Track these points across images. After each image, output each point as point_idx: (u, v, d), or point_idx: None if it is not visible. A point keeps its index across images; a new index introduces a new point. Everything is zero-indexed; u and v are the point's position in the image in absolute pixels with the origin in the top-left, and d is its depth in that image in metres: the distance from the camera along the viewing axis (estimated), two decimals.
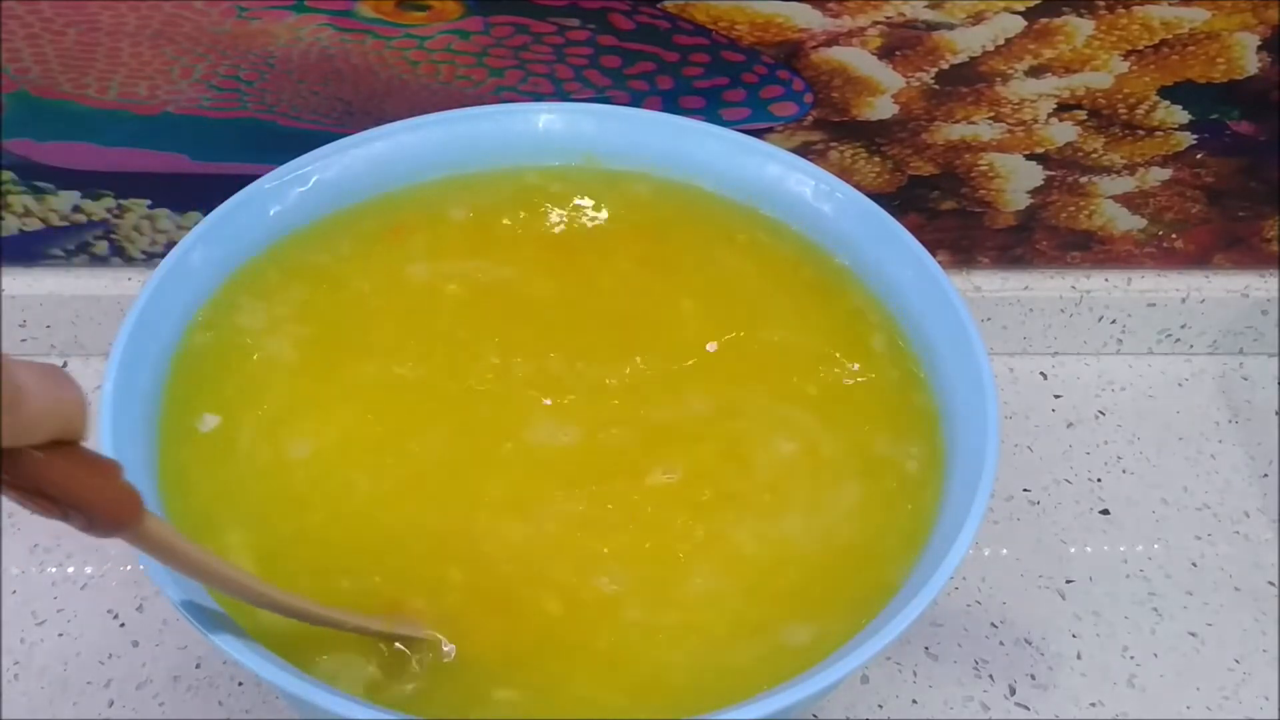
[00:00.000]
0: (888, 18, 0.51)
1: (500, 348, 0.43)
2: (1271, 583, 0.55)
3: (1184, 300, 0.62)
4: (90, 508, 0.27)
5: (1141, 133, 0.56)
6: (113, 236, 0.58)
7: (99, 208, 0.56)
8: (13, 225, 0.56)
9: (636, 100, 0.53)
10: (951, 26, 0.51)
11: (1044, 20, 0.51)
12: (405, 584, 0.37)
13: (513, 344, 0.43)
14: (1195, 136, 0.56)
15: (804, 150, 0.55)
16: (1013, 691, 0.50)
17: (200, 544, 0.32)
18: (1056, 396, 0.62)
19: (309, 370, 0.42)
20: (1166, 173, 0.58)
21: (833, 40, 0.51)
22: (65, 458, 0.26)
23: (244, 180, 0.44)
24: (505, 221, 0.47)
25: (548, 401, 0.42)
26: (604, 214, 0.48)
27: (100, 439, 0.35)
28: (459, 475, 0.40)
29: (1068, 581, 0.54)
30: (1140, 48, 0.52)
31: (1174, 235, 0.61)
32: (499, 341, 0.43)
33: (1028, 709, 0.50)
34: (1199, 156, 0.57)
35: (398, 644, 0.36)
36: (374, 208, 0.47)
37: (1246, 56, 0.53)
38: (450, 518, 0.39)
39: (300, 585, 0.36)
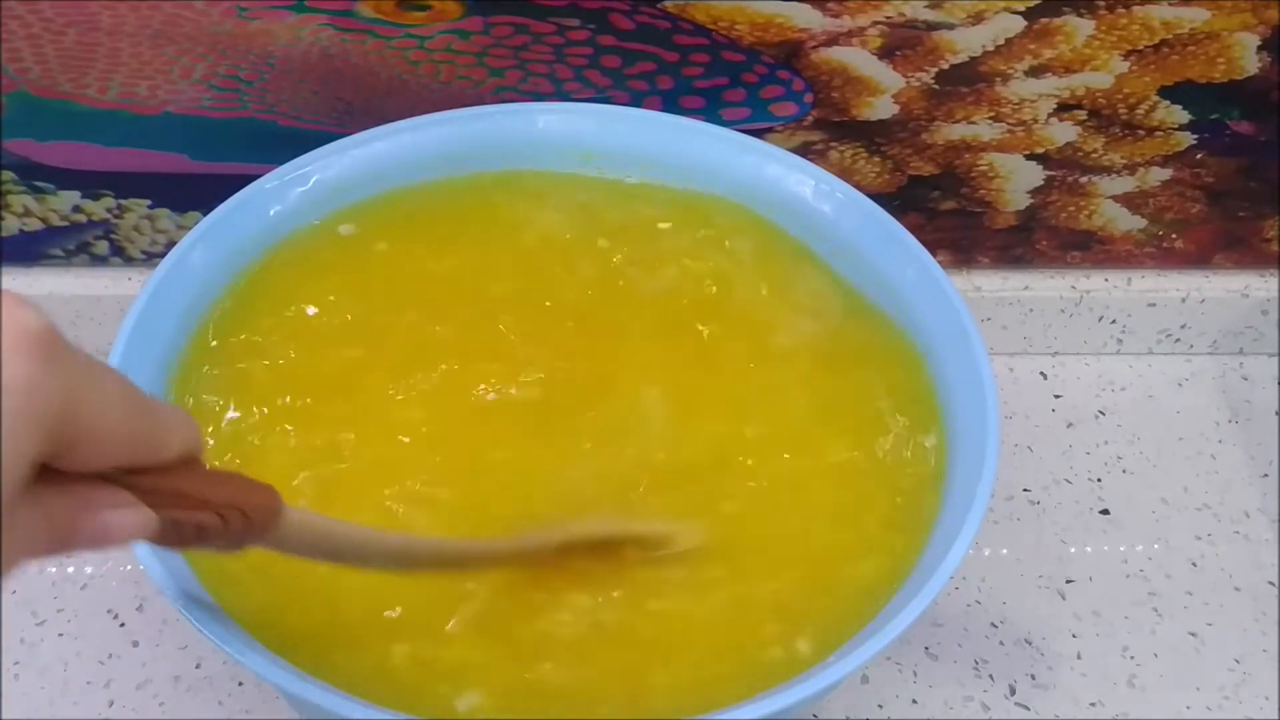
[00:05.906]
0: (888, 18, 0.51)
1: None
2: (1271, 583, 0.55)
3: (1184, 300, 0.62)
4: (244, 501, 0.28)
5: (1141, 133, 0.56)
6: (113, 236, 0.58)
7: (99, 208, 0.56)
8: (13, 225, 0.56)
9: (636, 100, 0.53)
10: (951, 26, 0.51)
11: (1044, 20, 0.51)
12: None
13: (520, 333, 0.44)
14: (1195, 136, 0.56)
15: (804, 150, 0.55)
16: (1013, 691, 0.50)
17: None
18: (1056, 396, 0.62)
19: (311, 364, 0.42)
20: (1166, 173, 0.58)
21: (833, 40, 0.51)
22: (205, 471, 0.28)
23: (244, 180, 0.44)
24: (505, 220, 0.47)
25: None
26: (604, 212, 0.48)
27: None
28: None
29: (1068, 581, 0.54)
30: (1140, 48, 0.52)
31: (1174, 235, 0.61)
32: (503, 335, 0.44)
33: (1028, 709, 0.50)
34: (1199, 156, 0.57)
35: None
36: (374, 207, 0.47)
37: (1246, 56, 0.53)
38: None
39: None
